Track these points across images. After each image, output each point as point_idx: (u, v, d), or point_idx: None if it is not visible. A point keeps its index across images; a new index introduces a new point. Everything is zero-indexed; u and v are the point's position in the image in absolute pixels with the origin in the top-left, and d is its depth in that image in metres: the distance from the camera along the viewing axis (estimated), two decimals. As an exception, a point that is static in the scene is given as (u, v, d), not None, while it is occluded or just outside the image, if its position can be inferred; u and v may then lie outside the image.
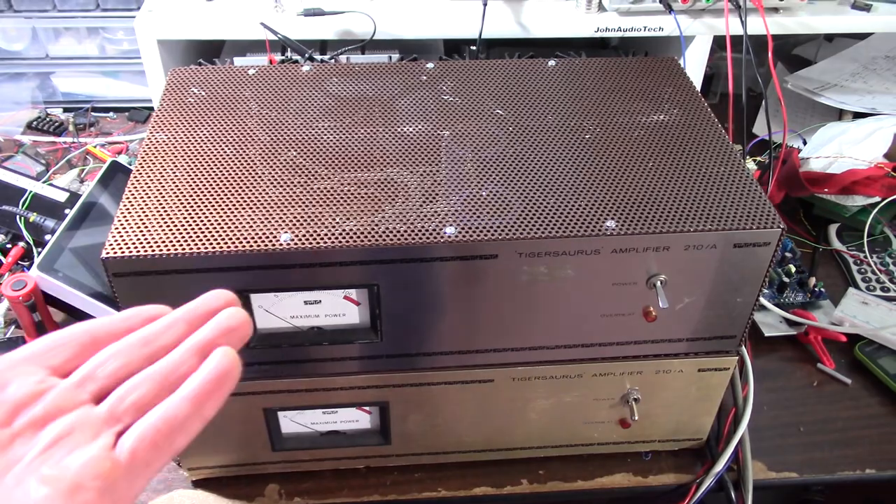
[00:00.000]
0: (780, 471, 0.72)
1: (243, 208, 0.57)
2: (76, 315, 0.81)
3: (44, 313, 0.78)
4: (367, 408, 0.68)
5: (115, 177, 0.90)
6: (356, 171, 0.61)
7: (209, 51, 0.95)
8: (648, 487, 0.72)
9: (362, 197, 0.58)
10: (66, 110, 1.17)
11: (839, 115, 1.11)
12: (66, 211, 0.86)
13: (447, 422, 0.68)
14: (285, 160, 0.62)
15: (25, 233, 0.88)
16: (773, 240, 0.57)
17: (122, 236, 0.54)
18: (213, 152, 0.62)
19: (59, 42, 1.14)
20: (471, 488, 0.71)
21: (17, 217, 0.88)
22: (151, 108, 1.12)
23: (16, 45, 1.13)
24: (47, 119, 1.14)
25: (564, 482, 0.72)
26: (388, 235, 0.55)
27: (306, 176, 0.60)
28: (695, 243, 0.56)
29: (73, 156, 1.07)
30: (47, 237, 0.83)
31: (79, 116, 1.15)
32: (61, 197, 0.92)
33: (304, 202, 0.57)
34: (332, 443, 0.70)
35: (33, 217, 0.88)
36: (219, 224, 0.55)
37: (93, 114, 1.16)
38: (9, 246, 0.90)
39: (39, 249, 0.81)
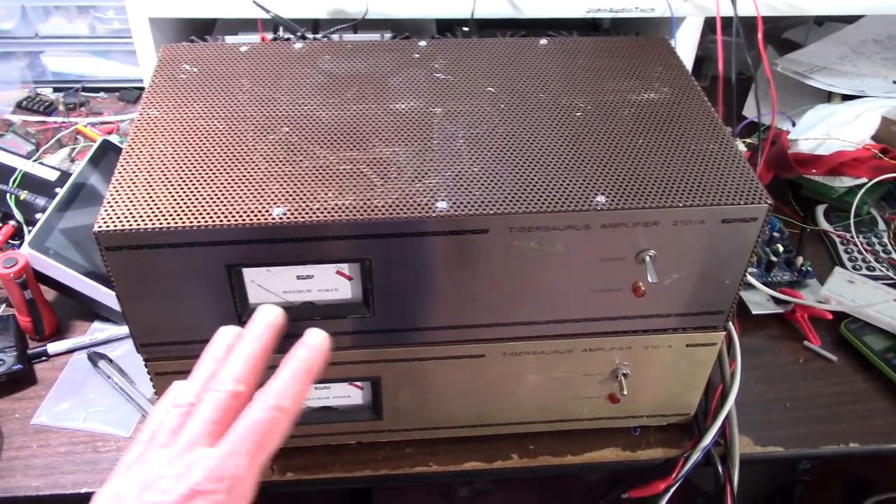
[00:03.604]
0: (766, 445, 0.74)
1: (236, 183, 0.57)
2: (67, 293, 0.81)
3: (35, 291, 0.79)
4: (358, 383, 0.68)
5: (106, 155, 0.90)
6: (348, 147, 0.61)
7: (200, 29, 0.95)
8: (637, 462, 0.73)
9: (355, 173, 0.58)
10: (56, 90, 1.16)
11: (828, 97, 1.12)
12: (57, 189, 0.86)
13: (438, 397, 0.69)
14: (277, 137, 0.62)
15: (16, 211, 0.87)
16: (760, 215, 0.58)
17: (114, 210, 0.54)
18: (204, 128, 0.62)
19: (49, 21, 1.13)
20: (462, 463, 0.72)
21: (8, 195, 0.88)
22: (142, 89, 1.10)
23: (5, 24, 1.13)
24: (37, 99, 1.13)
25: (554, 457, 0.73)
26: (380, 210, 0.55)
27: (298, 152, 0.60)
28: (683, 218, 0.57)
29: (63, 135, 1.06)
30: (38, 216, 0.83)
31: (69, 96, 1.14)
32: (52, 176, 0.91)
33: (296, 178, 0.58)
34: (324, 418, 0.70)
35: (24, 195, 0.88)
36: (211, 198, 0.55)
37: (83, 94, 1.16)
38: (-1, 225, 0.90)
39: (30, 228, 0.81)
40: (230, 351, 0.49)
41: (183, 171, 0.58)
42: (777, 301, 0.86)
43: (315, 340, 0.51)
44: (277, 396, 0.46)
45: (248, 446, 0.44)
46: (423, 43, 0.75)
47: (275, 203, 0.55)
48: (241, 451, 0.43)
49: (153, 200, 0.55)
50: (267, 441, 0.45)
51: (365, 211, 0.55)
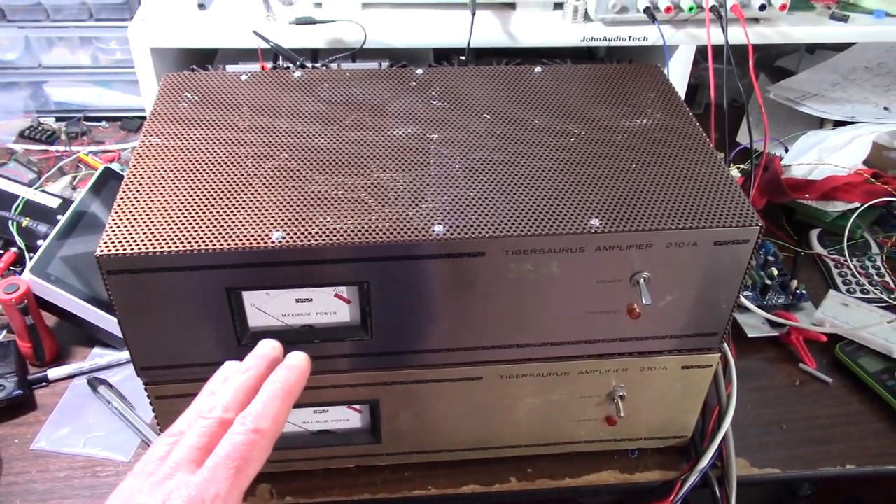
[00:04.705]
0: (763, 467, 0.74)
1: (236, 208, 0.58)
2: (68, 319, 0.82)
3: (36, 317, 0.79)
4: (357, 406, 0.69)
5: (108, 183, 0.91)
6: (347, 173, 0.62)
7: (202, 59, 0.96)
8: (635, 484, 0.73)
9: (353, 198, 0.59)
10: (58, 119, 1.18)
11: (820, 123, 1.13)
12: (59, 217, 0.87)
13: (437, 420, 0.69)
14: (277, 163, 0.63)
15: (18, 238, 0.88)
16: (752, 237, 0.58)
17: (116, 235, 0.55)
18: (205, 155, 0.64)
19: (52, 52, 1.15)
20: (460, 486, 0.72)
21: (10, 222, 0.89)
22: (144, 118, 1.12)
23: (9, 55, 1.14)
24: (39, 128, 1.15)
25: (552, 480, 0.73)
26: (378, 233, 0.56)
27: (297, 178, 0.61)
28: (676, 241, 0.58)
29: (65, 163, 1.07)
30: (39, 242, 0.84)
31: (71, 125, 1.16)
32: (54, 203, 0.92)
33: (295, 203, 0.59)
34: (323, 442, 0.71)
35: (26, 222, 0.89)
36: (211, 223, 0.56)
37: (85, 123, 1.17)
38: (0, 251, 0.91)
39: (31, 255, 0.82)
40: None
41: (183, 196, 0.59)
42: (772, 324, 0.87)
43: (294, 361, 0.51)
44: (255, 419, 0.46)
45: (228, 472, 0.44)
46: (420, 71, 0.76)
47: (274, 227, 0.56)
48: (220, 477, 0.43)
49: (154, 225, 0.56)
50: (246, 465, 0.45)
51: (363, 234, 0.56)
